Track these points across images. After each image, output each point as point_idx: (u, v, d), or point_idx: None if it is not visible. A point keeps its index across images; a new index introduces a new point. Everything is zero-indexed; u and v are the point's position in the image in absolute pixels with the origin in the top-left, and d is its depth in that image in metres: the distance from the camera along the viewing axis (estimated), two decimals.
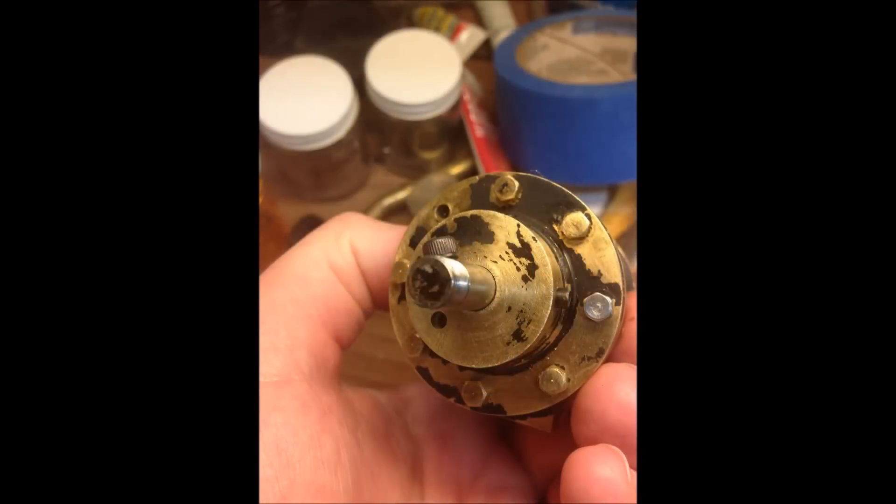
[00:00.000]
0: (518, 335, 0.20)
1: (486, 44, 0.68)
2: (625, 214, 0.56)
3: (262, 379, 0.22)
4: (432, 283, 0.18)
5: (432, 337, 0.21)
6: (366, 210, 0.60)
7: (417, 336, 0.22)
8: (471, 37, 0.68)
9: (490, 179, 0.23)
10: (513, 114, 0.57)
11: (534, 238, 0.20)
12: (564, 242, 0.22)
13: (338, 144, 0.55)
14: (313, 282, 0.25)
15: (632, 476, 0.20)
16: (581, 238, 0.22)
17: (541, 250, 0.20)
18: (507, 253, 0.21)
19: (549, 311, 0.20)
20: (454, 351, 0.21)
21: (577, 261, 0.22)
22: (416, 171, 0.62)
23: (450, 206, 0.24)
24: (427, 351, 0.23)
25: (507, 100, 0.57)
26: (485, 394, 0.22)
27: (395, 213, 0.61)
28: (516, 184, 0.23)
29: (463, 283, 0.18)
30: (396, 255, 0.24)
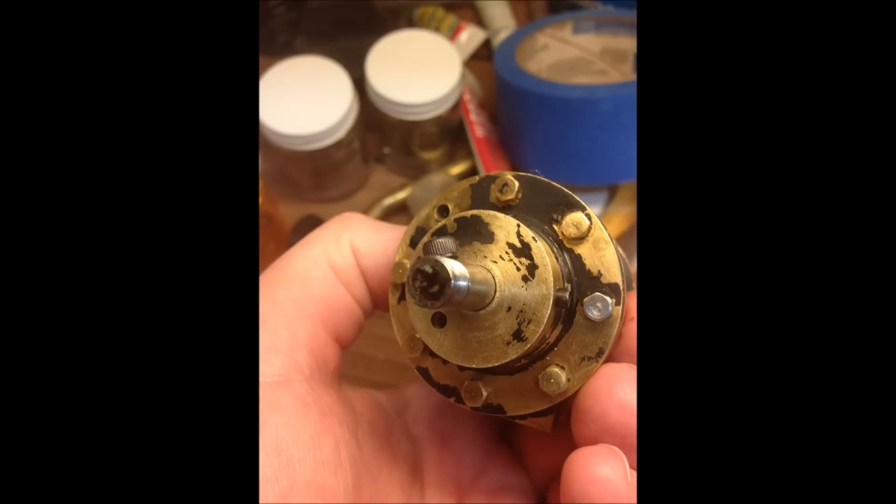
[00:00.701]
0: (518, 335, 0.20)
1: (486, 44, 0.68)
2: (625, 214, 0.56)
3: (262, 379, 0.22)
4: (432, 283, 0.18)
5: (432, 337, 0.21)
6: (366, 210, 0.60)
7: (417, 336, 0.22)
8: (471, 37, 0.68)
9: (490, 179, 0.23)
10: (513, 114, 0.57)
11: (534, 238, 0.20)
12: (564, 242, 0.22)
13: (338, 144, 0.55)
14: (313, 282, 0.25)
15: (632, 476, 0.20)
16: (581, 238, 0.22)
17: (541, 250, 0.20)
18: (507, 253, 0.21)
19: (549, 311, 0.20)
20: (454, 351, 0.21)
21: (577, 261, 0.22)
22: (416, 171, 0.62)
23: (450, 206, 0.24)
24: (427, 351, 0.23)
25: (507, 100, 0.57)
26: (485, 394, 0.22)
27: (395, 213, 0.61)
28: (516, 184, 0.23)
29: (463, 283, 0.18)
30: (396, 255, 0.24)
